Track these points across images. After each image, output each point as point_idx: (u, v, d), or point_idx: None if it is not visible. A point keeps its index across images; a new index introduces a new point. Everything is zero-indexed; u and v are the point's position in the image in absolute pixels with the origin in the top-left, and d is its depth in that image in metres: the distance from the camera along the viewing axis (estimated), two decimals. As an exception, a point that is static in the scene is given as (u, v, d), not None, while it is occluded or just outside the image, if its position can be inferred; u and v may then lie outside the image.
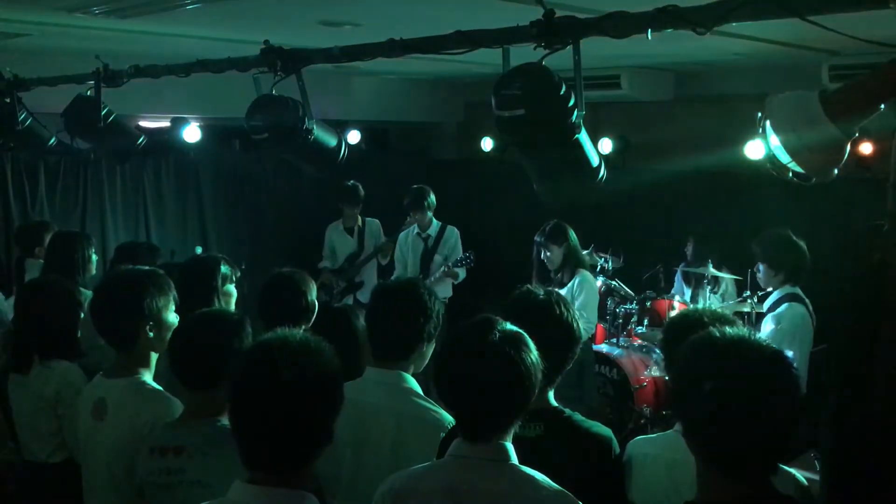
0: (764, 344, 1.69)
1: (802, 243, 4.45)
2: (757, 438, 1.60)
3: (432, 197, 6.42)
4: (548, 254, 5.29)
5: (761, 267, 4.52)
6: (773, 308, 4.44)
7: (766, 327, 4.40)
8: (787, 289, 4.43)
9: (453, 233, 6.52)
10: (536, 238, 5.36)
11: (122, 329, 2.73)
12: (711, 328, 1.74)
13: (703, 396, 1.61)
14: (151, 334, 2.72)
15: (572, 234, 5.30)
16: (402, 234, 6.66)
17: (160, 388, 2.74)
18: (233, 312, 2.83)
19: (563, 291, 4.87)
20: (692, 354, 1.72)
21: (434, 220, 6.50)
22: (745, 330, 1.76)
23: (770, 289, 4.55)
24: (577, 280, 5.19)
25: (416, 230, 6.54)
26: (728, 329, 1.72)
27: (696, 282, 6.45)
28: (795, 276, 4.42)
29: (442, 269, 6.32)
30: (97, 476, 2.68)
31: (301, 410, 1.75)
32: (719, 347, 1.66)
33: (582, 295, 5.13)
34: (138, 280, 2.79)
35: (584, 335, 3.76)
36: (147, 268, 3.01)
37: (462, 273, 6.37)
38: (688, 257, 6.62)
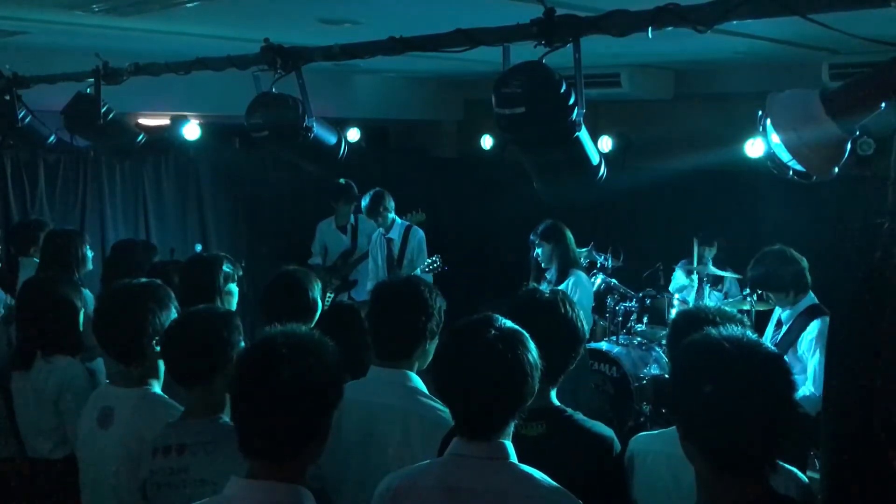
0: (761, 345, 1.69)
1: (791, 251, 4.29)
2: (755, 440, 1.61)
3: (389, 199, 6.32)
4: (539, 251, 5.32)
5: (770, 294, 4.37)
6: (804, 324, 4.24)
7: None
8: (809, 300, 4.28)
9: (416, 234, 6.42)
10: (531, 237, 5.38)
11: (128, 347, 2.71)
12: (709, 328, 1.74)
13: (702, 399, 1.60)
14: (158, 348, 2.67)
15: (568, 235, 5.31)
16: (374, 233, 6.61)
17: (167, 397, 2.73)
18: (220, 308, 2.83)
19: (557, 291, 4.88)
20: (691, 356, 1.72)
21: (397, 220, 6.43)
22: (741, 329, 1.75)
23: (788, 308, 4.34)
24: (571, 280, 5.19)
25: (382, 231, 6.49)
26: (724, 330, 1.71)
27: (700, 280, 6.43)
28: (802, 285, 4.28)
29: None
30: (101, 483, 2.67)
31: (301, 405, 1.77)
32: (719, 349, 1.65)
33: (577, 295, 5.08)
34: (139, 298, 2.76)
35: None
36: (145, 280, 2.97)
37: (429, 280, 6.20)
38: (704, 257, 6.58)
